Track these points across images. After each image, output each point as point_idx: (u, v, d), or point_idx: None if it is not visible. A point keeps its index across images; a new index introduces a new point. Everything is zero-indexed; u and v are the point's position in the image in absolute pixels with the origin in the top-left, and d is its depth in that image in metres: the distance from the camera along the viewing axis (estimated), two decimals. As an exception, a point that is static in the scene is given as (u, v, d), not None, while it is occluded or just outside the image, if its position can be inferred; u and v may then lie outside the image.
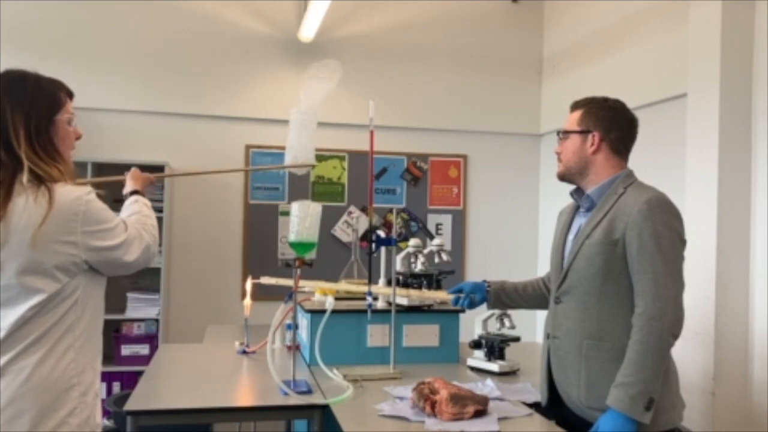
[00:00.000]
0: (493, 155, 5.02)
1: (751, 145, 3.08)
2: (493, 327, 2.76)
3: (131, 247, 1.74)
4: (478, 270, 4.80)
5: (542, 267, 5.00)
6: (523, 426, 2.00)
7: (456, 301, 2.50)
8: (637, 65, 3.88)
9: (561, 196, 5.12)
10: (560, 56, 4.80)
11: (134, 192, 2.05)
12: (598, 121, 2.04)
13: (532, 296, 2.45)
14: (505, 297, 2.47)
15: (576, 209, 2.16)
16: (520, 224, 5.05)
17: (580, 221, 2.10)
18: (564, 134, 2.11)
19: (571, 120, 2.10)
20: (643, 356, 1.84)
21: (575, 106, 2.13)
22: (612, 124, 2.05)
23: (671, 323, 1.86)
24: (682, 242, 1.95)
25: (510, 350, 2.75)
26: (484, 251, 4.97)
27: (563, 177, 2.14)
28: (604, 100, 2.09)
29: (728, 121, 3.06)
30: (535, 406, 2.20)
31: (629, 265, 1.93)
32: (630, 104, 2.14)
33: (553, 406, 2.13)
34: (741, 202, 3.07)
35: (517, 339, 2.74)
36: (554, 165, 2.19)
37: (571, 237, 2.11)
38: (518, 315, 2.77)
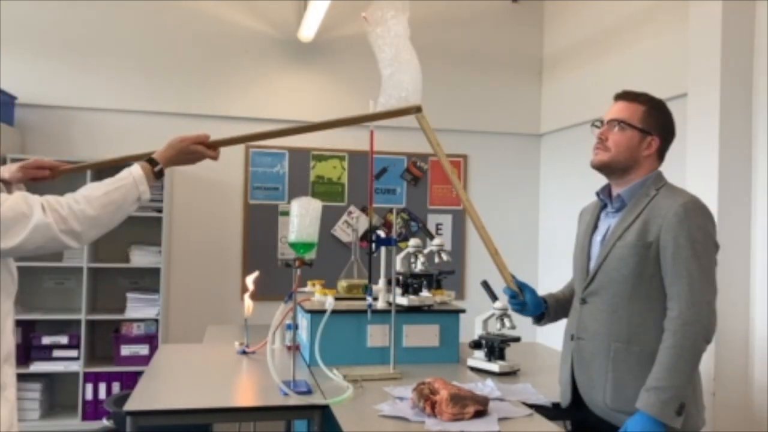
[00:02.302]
0: (493, 155, 5.01)
1: (751, 145, 3.08)
2: (493, 327, 2.76)
3: (10, 231, 1.55)
4: (478, 270, 4.79)
5: (542, 267, 5.00)
6: (523, 426, 2.00)
7: (513, 295, 2.27)
8: (637, 65, 3.88)
9: (561, 196, 5.07)
10: (560, 56, 4.80)
11: (150, 161, 1.86)
12: (660, 126, 2.00)
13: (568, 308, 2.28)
14: (554, 314, 2.32)
15: (600, 208, 2.12)
16: (520, 224, 5.04)
17: (608, 222, 2.05)
18: (623, 124, 1.98)
19: (631, 111, 1.99)
20: (676, 361, 1.81)
21: (634, 97, 2.02)
22: (668, 132, 2.02)
23: (705, 328, 1.84)
24: (716, 247, 1.92)
25: (510, 350, 2.74)
26: (484, 251, 4.91)
27: (605, 166, 2.02)
28: (663, 103, 2.03)
29: (728, 121, 3.06)
30: (554, 406, 2.18)
31: (662, 268, 1.89)
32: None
33: (572, 407, 2.10)
34: (741, 201, 3.07)
35: (517, 339, 2.74)
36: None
37: (598, 238, 2.07)
38: (518, 315, 2.76)
